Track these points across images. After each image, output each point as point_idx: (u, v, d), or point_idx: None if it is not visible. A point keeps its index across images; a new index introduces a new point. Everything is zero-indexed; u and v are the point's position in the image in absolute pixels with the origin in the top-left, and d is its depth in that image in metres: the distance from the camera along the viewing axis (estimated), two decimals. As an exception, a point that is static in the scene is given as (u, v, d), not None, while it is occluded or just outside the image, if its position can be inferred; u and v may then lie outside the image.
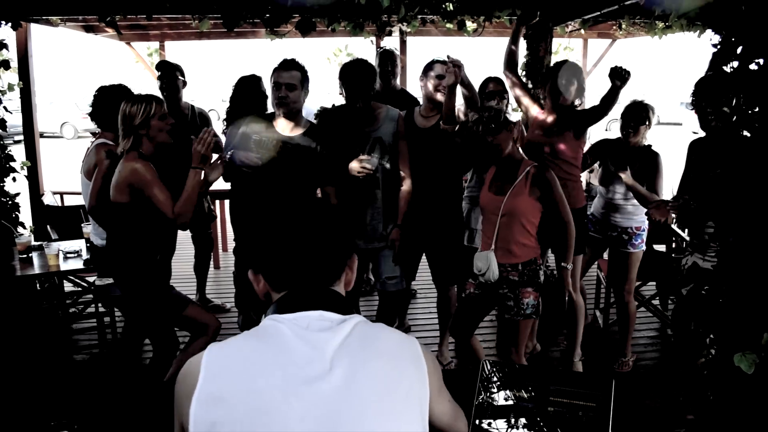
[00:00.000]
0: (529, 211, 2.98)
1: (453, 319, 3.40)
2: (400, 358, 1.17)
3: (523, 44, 5.09)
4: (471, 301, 3.19)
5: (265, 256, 1.21)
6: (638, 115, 3.69)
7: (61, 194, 6.25)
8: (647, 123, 3.70)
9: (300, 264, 1.18)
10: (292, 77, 3.12)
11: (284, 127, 3.26)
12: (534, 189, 2.96)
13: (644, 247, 3.91)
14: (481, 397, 1.87)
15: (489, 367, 1.93)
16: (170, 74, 4.46)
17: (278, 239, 1.19)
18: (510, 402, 1.84)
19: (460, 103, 3.46)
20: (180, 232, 4.75)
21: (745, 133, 2.27)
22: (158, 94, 4.49)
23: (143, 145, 2.96)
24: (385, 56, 4.50)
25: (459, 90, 3.46)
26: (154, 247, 3.07)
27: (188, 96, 4.65)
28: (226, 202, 6.64)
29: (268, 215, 1.23)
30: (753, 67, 2.22)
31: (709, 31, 2.36)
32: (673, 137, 18.05)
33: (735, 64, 2.24)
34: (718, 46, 2.26)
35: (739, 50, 2.23)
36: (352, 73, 3.22)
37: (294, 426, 1.03)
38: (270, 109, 3.47)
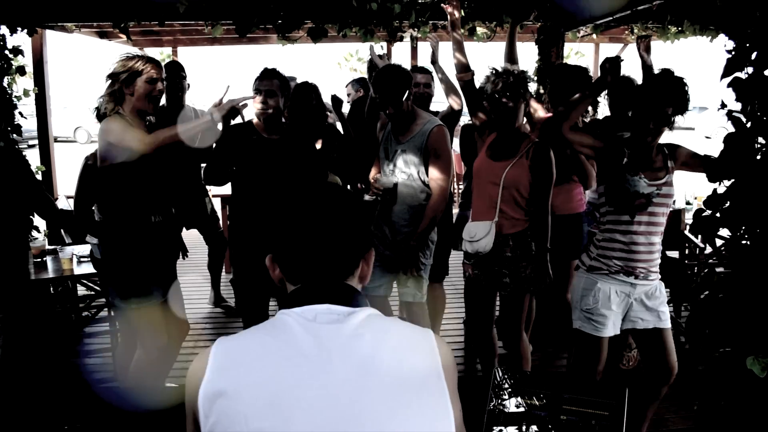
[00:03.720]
0: (525, 184, 2.94)
1: (466, 309, 3.36)
2: (413, 352, 1.13)
3: (534, 49, 5.10)
4: (474, 283, 3.14)
5: (279, 243, 1.17)
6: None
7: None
8: None
9: (312, 254, 1.14)
10: (272, 85, 3.31)
11: (266, 132, 3.40)
12: (531, 164, 2.93)
13: None
14: (492, 403, 1.86)
15: (501, 373, 1.92)
16: (177, 75, 4.55)
17: (292, 227, 1.15)
18: (522, 409, 1.83)
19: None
20: (192, 237, 4.81)
21: (760, 140, 2.26)
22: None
23: (125, 107, 2.84)
24: (373, 65, 4.54)
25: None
26: (149, 207, 2.97)
27: (200, 101, 4.71)
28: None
29: (287, 202, 1.19)
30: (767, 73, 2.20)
31: (722, 36, 2.34)
32: (686, 142, 17.97)
33: (750, 70, 2.22)
34: (733, 52, 2.24)
35: (753, 56, 2.21)
36: (382, 78, 3.22)
37: (300, 420, 1.01)
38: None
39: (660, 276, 2.78)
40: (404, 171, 3.30)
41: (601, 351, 2.80)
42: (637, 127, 2.63)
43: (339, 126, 4.17)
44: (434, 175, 3.27)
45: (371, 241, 1.24)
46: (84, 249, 4.32)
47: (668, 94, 2.52)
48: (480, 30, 5.41)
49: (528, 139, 2.99)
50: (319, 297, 1.13)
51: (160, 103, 4.02)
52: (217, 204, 5.38)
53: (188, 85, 4.64)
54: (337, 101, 3.99)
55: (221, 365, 1.07)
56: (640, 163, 2.66)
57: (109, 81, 2.88)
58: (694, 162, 2.72)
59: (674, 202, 3.44)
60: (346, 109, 4.54)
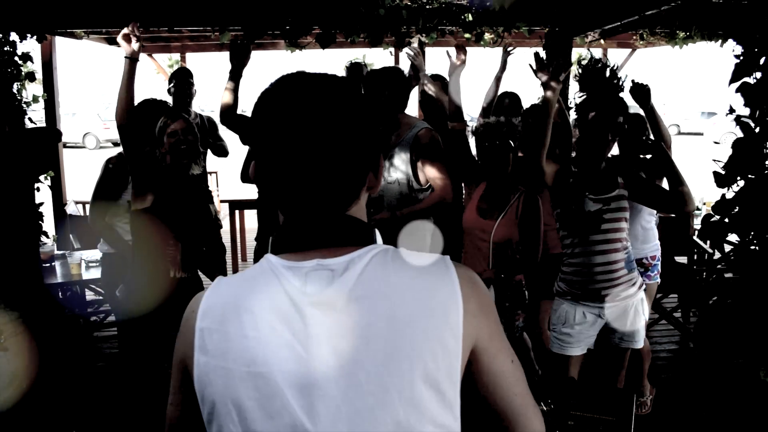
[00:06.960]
0: (516, 239, 2.92)
1: None
2: (424, 311, 0.87)
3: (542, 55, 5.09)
4: None
5: (264, 164, 0.91)
6: None
7: (84, 204, 6.32)
8: None
9: (302, 183, 0.88)
10: None
11: None
12: (521, 218, 2.91)
13: (659, 279, 3.56)
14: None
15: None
16: (185, 82, 4.56)
17: (277, 139, 0.88)
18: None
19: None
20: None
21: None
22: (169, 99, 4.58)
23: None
24: (352, 70, 4.54)
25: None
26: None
27: (208, 107, 4.73)
28: (245, 213, 6.70)
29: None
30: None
31: (731, 41, 2.34)
32: (695, 147, 17.91)
33: (758, 75, 2.21)
34: (741, 57, 2.24)
35: (762, 61, 2.20)
36: (375, 79, 3.23)
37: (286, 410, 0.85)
38: None
39: (638, 293, 2.71)
40: (398, 173, 3.30)
41: (568, 369, 2.77)
42: (589, 142, 2.61)
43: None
44: (432, 175, 3.23)
45: (379, 146, 0.97)
46: (92, 254, 4.34)
47: (618, 104, 2.61)
48: (487, 36, 5.40)
49: (515, 188, 2.98)
50: (314, 240, 0.91)
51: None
52: (224, 209, 5.38)
53: (195, 91, 4.67)
54: None
55: (209, 325, 0.91)
56: (585, 181, 2.65)
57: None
58: (639, 192, 2.68)
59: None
60: None
